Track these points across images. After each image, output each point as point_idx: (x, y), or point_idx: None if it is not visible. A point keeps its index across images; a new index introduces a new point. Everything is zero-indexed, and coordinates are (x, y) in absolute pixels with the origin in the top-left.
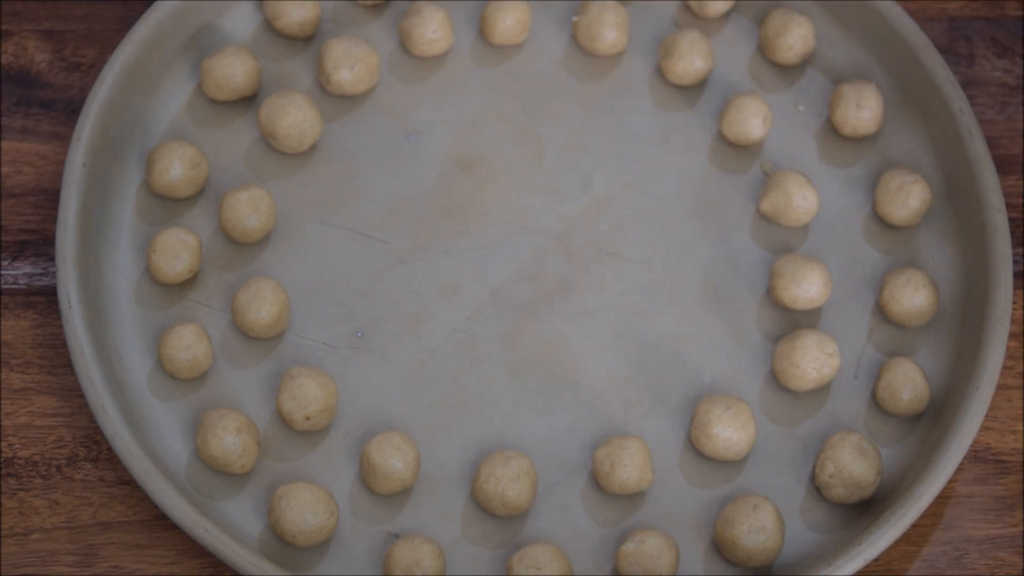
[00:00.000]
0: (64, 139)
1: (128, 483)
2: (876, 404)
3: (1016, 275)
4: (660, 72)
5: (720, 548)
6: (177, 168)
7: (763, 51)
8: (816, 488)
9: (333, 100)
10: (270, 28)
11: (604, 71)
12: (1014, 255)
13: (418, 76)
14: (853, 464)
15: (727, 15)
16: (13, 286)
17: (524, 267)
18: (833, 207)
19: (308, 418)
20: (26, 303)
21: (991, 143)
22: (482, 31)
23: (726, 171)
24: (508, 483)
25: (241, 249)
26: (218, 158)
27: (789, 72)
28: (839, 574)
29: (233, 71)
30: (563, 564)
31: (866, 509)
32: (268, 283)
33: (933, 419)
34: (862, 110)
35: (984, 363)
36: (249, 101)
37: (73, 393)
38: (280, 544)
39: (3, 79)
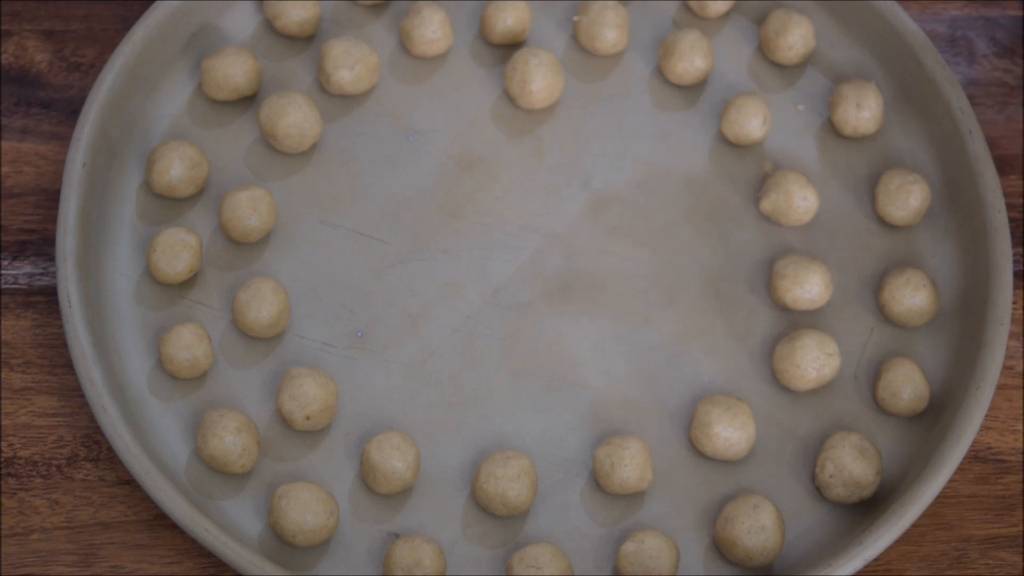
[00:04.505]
0: (64, 139)
1: (128, 483)
2: (876, 404)
3: (1016, 275)
4: (660, 72)
5: (720, 548)
6: (177, 168)
7: (763, 51)
8: (816, 488)
9: (333, 100)
10: (270, 28)
11: (604, 71)
12: (1014, 255)
13: (418, 76)
14: (853, 464)
15: (727, 15)
16: (13, 286)
17: (524, 267)
18: (833, 207)
19: (308, 418)
20: (26, 303)
21: (991, 143)
22: (482, 31)
23: (726, 171)
24: (508, 483)
25: (241, 249)
26: (218, 158)
27: (789, 72)
28: (839, 574)
29: (233, 71)
30: (563, 564)
31: (866, 509)
32: (268, 283)
33: (933, 419)
34: (862, 110)
35: (984, 363)
36: (249, 101)
37: (73, 393)
38: (280, 544)
39: (3, 79)
